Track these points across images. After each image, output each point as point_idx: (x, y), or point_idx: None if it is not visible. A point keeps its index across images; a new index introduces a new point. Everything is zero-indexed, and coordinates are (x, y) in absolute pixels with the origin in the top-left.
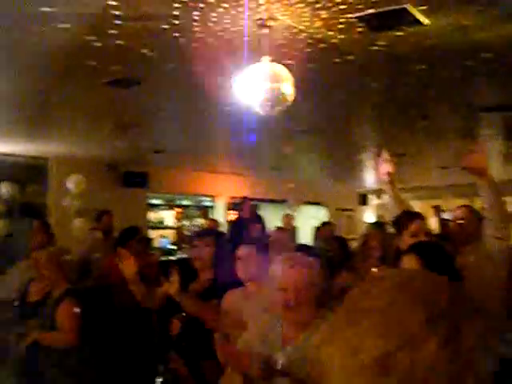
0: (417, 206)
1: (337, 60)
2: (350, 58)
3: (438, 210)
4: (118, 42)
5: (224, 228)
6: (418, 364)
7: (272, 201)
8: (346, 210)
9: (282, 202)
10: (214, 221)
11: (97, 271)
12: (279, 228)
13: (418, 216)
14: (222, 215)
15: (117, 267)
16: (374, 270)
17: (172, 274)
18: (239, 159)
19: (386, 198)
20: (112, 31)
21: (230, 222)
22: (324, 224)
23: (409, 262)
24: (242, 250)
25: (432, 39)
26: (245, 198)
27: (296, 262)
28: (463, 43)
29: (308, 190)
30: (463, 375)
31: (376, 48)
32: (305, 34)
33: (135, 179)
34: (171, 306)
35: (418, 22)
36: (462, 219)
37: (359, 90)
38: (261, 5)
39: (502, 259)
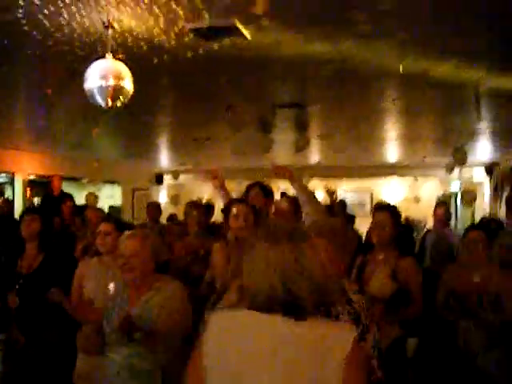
0: (209, 187)
1: (165, 59)
2: (179, 57)
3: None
4: None
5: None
6: None
7: (71, 179)
8: (142, 189)
9: (80, 179)
10: (7, 201)
11: None
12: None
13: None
14: (20, 191)
15: None
16: None
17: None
18: (39, 137)
19: (181, 179)
20: None
21: (42, 198)
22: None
23: None
24: (104, 226)
25: (251, 51)
26: (55, 175)
27: (133, 234)
28: (273, 55)
29: (105, 168)
30: None
31: (202, 52)
32: (144, 36)
33: None
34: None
35: (243, 36)
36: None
37: (174, 84)
38: (106, 8)
39: None
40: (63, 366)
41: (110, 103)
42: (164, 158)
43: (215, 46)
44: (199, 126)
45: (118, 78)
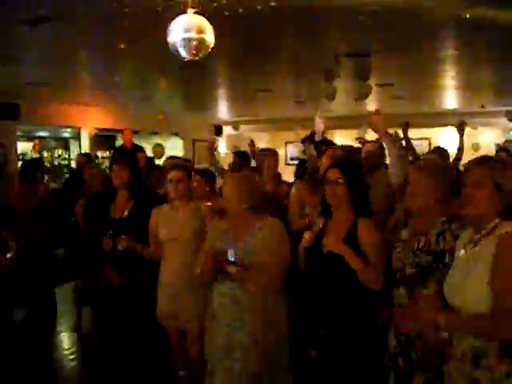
0: (267, 136)
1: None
2: (248, 10)
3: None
4: None
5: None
6: None
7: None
8: (202, 140)
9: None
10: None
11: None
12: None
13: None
14: (88, 146)
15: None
16: None
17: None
18: (105, 92)
19: (241, 129)
20: None
21: (115, 151)
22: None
23: (333, 174)
24: (174, 174)
25: (317, 1)
26: (125, 129)
27: (232, 176)
28: (339, 4)
29: (167, 121)
30: None
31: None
32: None
33: (3, 110)
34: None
35: None
36: (371, 151)
37: (237, 36)
38: None
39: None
40: (151, 305)
41: (192, 55)
42: (223, 110)
43: None
44: (259, 76)
45: (200, 31)
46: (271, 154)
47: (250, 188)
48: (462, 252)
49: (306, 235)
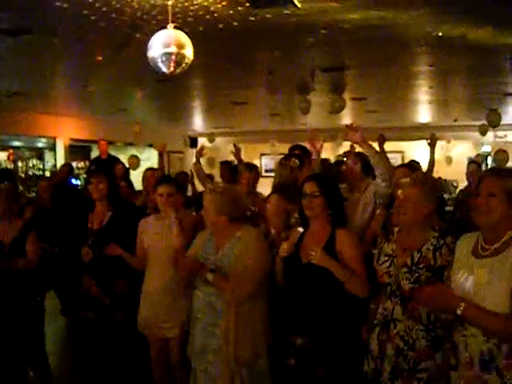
0: (242, 148)
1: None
2: (228, 26)
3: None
4: None
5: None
6: None
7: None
8: (177, 152)
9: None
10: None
11: None
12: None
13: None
14: (63, 156)
15: None
16: None
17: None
18: (80, 102)
19: (216, 141)
20: None
21: (91, 162)
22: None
23: (310, 187)
24: (164, 189)
25: (299, 17)
26: (100, 139)
27: (212, 189)
28: (317, 21)
29: (142, 132)
30: None
31: (250, 20)
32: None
33: None
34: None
35: (293, 3)
36: (351, 167)
37: (214, 50)
38: None
39: (384, 198)
40: (130, 314)
41: (172, 70)
42: (198, 122)
43: (267, 14)
44: (235, 89)
45: (180, 46)
46: (254, 168)
47: (230, 200)
48: (473, 259)
49: (284, 245)
